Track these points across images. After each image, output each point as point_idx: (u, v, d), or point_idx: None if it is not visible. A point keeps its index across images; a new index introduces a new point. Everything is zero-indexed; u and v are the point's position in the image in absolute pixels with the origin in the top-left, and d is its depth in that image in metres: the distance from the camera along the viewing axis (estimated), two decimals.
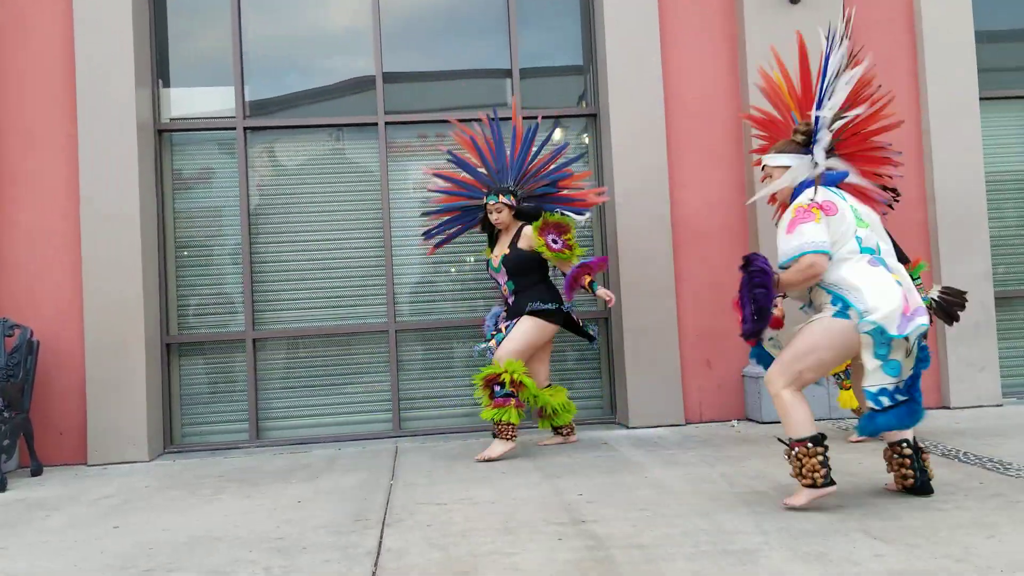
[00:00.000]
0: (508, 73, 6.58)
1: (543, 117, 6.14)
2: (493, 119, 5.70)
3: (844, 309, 3.52)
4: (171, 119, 6.42)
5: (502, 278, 5.46)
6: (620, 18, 6.24)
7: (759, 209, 6.11)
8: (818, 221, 3.56)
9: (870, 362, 3.50)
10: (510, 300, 5.45)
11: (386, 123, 6.43)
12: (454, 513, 3.85)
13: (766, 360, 3.88)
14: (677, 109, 6.27)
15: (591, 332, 5.58)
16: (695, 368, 6.20)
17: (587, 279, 5.25)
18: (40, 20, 5.96)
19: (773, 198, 4.03)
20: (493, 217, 5.43)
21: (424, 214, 6.00)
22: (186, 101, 6.50)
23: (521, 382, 5.11)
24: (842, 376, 5.36)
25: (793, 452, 3.57)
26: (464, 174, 5.66)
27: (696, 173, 6.31)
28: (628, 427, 6.09)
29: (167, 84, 6.43)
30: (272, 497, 4.43)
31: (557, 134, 6.36)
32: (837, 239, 3.59)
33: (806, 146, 3.84)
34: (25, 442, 5.48)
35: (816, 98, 3.88)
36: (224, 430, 6.28)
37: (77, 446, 5.79)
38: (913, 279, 5.12)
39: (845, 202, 3.68)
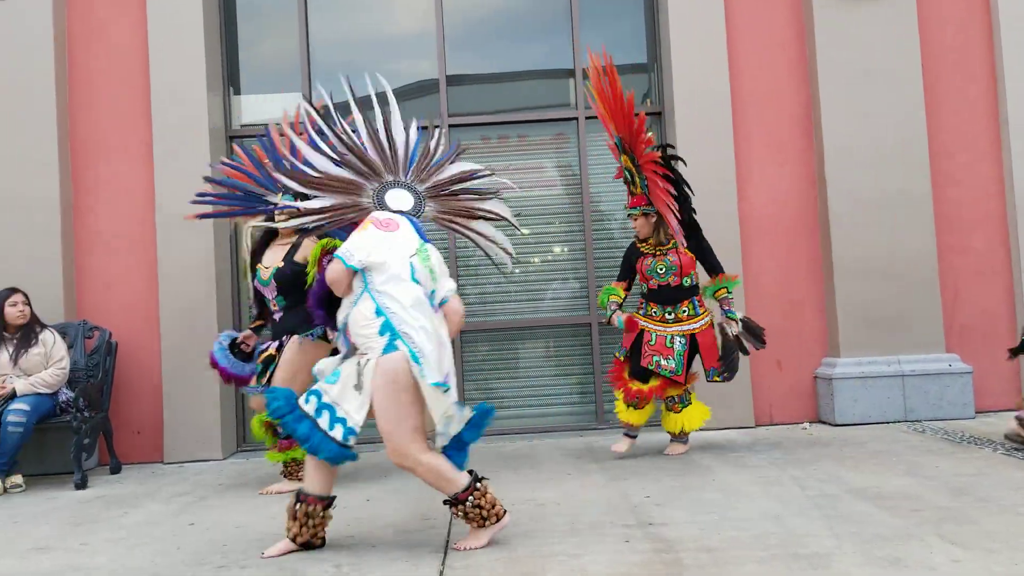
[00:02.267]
0: (571, 73, 6.56)
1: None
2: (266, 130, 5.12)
3: (393, 340, 3.23)
4: (242, 125, 6.56)
5: (270, 292, 4.79)
6: (685, 14, 6.17)
7: (830, 203, 5.99)
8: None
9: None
10: (276, 317, 4.84)
11: (450, 126, 6.47)
12: (520, 514, 3.85)
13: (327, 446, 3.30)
14: (744, 104, 6.17)
15: None
16: (765, 369, 6.09)
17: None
18: (116, 31, 6.14)
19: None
20: (279, 219, 4.72)
21: (208, 180, 5.35)
22: (256, 107, 6.63)
23: None
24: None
25: (468, 503, 3.28)
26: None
27: (764, 169, 6.21)
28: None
29: (238, 91, 6.58)
30: (341, 495, 4.44)
31: None
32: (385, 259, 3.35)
33: None
34: (104, 441, 5.66)
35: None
36: None
37: (154, 445, 5.95)
38: (727, 292, 5.08)
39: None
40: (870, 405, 5.84)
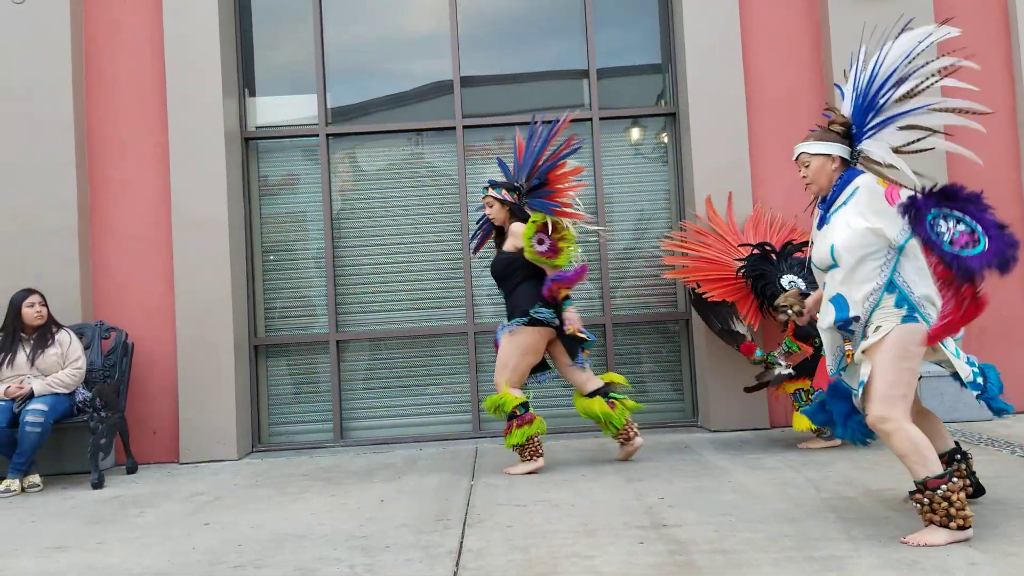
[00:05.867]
0: (585, 73, 6.56)
1: (620, 116, 6.11)
2: (535, 122, 5.12)
3: (912, 313, 3.17)
4: (257, 127, 6.59)
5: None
6: (700, 15, 6.15)
7: None
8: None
9: (958, 359, 3.31)
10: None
11: (464, 127, 6.48)
12: (534, 515, 3.85)
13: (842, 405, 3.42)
14: (759, 106, 6.14)
15: (584, 336, 4.97)
16: None
17: (563, 293, 4.83)
18: (132, 33, 6.18)
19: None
20: (486, 212, 5.06)
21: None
22: (271, 109, 6.66)
23: (517, 406, 4.83)
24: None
25: (939, 492, 3.05)
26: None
27: (779, 170, 6.17)
28: (710, 430, 6.00)
29: (253, 93, 6.61)
30: (356, 496, 4.50)
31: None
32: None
33: (845, 136, 3.49)
34: (121, 441, 5.70)
35: (865, 92, 3.47)
36: (309, 430, 6.42)
37: (170, 445, 5.98)
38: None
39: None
40: None
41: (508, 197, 4.97)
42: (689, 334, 6.36)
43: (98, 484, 5.14)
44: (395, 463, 5.47)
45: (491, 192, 5.00)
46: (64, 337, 5.37)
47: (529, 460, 4.85)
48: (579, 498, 4.15)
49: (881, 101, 3.42)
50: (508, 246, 4.96)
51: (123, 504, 4.65)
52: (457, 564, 3.17)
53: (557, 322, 4.87)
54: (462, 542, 3.46)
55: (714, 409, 5.98)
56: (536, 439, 4.86)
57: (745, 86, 6.13)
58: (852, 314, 3.25)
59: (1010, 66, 6.21)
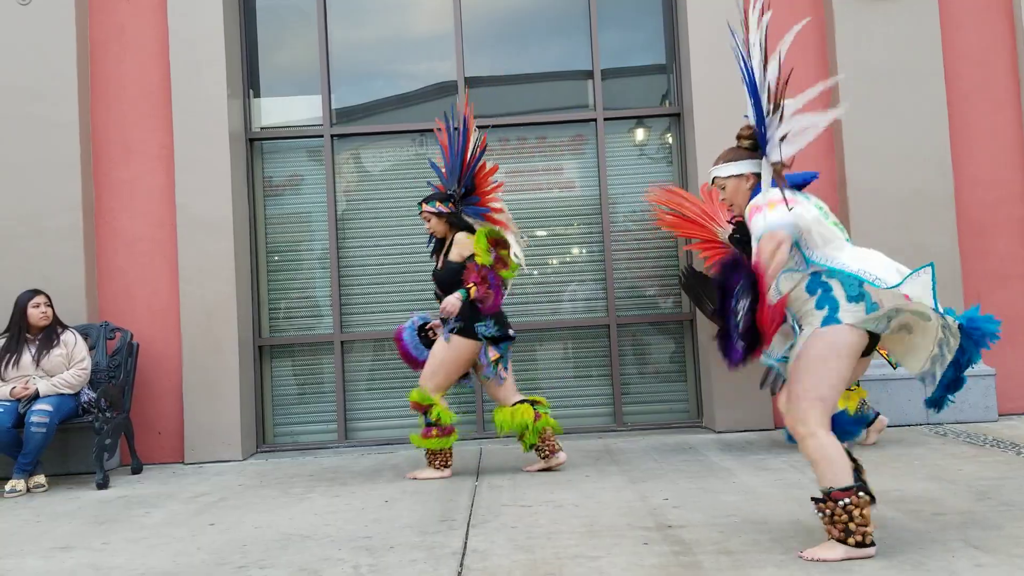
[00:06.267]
0: (590, 74, 6.55)
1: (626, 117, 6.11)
2: (447, 116, 5.08)
3: (833, 313, 3.03)
4: (261, 128, 6.60)
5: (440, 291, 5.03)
6: (703, 15, 6.14)
7: (851, 204, 5.95)
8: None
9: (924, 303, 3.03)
10: None
11: None
12: (539, 515, 3.85)
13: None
14: None
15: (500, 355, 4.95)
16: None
17: (473, 290, 4.75)
18: (138, 35, 6.19)
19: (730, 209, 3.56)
20: (426, 227, 5.05)
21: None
22: (276, 110, 6.67)
23: (438, 416, 4.82)
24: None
25: (840, 504, 2.92)
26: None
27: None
28: (714, 431, 5.99)
29: (257, 94, 6.62)
30: (360, 496, 4.50)
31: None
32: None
33: (754, 149, 3.35)
34: (126, 441, 5.71)
35: (753, 104, 3.40)
36: (313, 430, 6.42)
37: (174, 445, 5.99)
38: None
39: (809, 201, 3.22)
40: (891, 408, 5.80)
41: (444, 208, 4.94)
42: (693, 334, 6.36)
43: (103, 484, 5.15)
44: (400, 463, 5.47)
45: (425, 208, 4.98)
46: (69, 338, 5.38)
47: (439, 468, 4.90)
48: (583, 499, 4.15)
49: (760, 108, 3.35)
50: (454, 255, 4.91)
51: (128, 504, 4.66)
52: (461, 565, 3.17)
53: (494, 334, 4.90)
54: (466, 543, 3.46)
55: (718, 410, 5.98)
56: (448, 450, 4.94)
57: None
58: (775, 290, 3.15)
59: (1015, 67, 6.20)
